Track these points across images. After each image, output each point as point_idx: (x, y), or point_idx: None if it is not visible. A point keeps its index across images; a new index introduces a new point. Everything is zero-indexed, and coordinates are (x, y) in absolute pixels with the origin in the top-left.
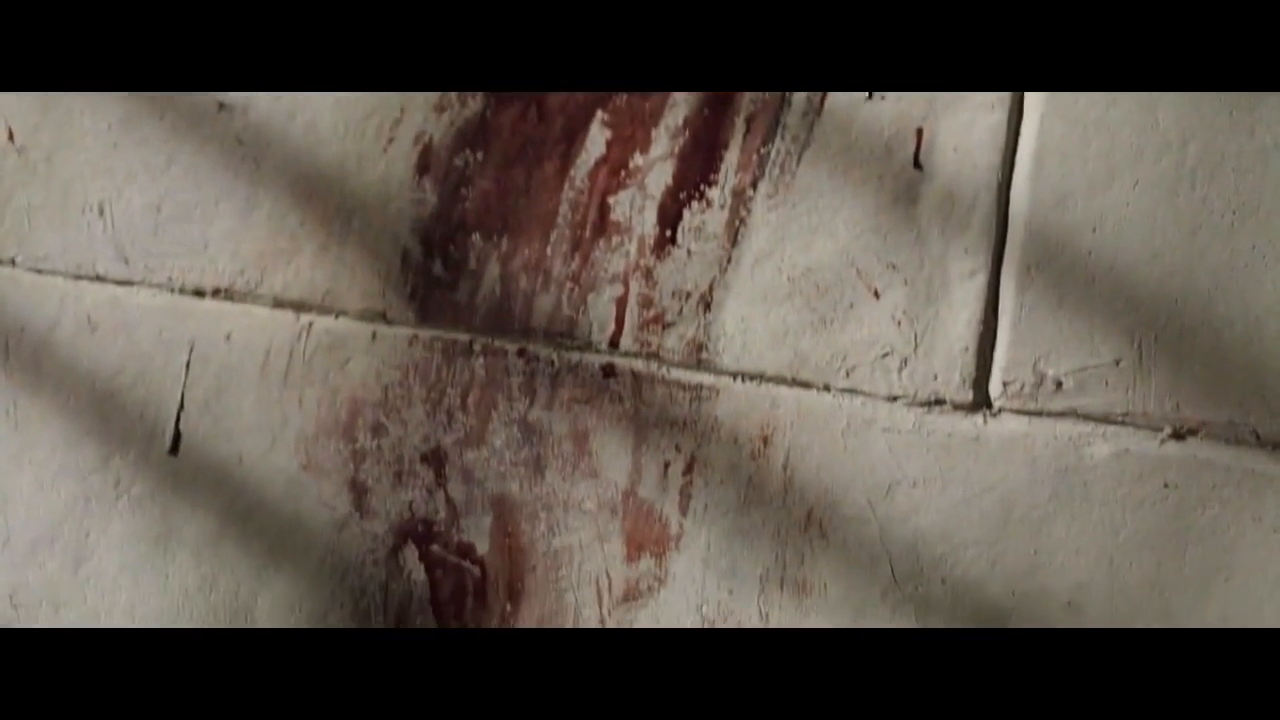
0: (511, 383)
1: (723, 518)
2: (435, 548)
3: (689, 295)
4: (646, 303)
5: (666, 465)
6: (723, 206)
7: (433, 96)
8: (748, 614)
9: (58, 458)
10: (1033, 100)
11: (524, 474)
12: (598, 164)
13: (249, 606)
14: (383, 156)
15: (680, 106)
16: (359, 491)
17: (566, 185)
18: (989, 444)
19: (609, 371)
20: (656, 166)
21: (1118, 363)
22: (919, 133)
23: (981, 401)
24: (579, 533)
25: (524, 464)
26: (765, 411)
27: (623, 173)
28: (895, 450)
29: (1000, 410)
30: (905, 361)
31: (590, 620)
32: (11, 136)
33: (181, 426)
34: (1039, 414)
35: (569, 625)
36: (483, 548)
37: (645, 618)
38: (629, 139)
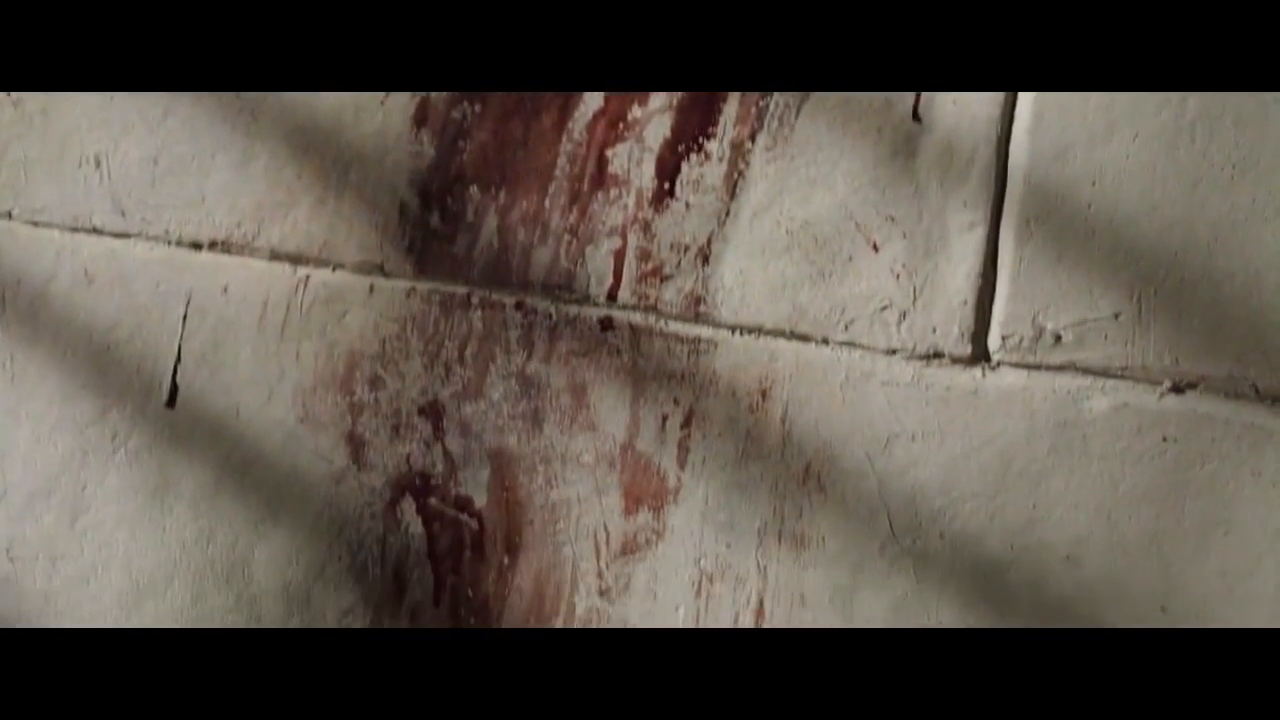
0: (509, 335)
1: (721, 471)
2: (433, 501)
3: (687, 248)
4: (645, 255)
5: (665, 418)
6: (721, 159)
7: None
8: (745, 567)
9: (54, 411)
10: None
11: (522, 427)
12: (596, 116)
13: (246, 559)
14: (380, 109)
15: None
16: (356, 444)
17: (564, 138)
18: (988, 397)
19: (607, 324)
20: (655, 119)
21: (1117, 316)
22: None
23: (980, 355)
24: (577, 486)
25: (522, 417)
26: (763, 365)
27: (621, 125)
28: (894, 404)
29: (999, 364)
30: (904, 315)
31: (588, 574)
32: None
33: (178, 379)
34: (1038, 367)
35: (566, 578)
36: (480, 501)
37: (643, 571)
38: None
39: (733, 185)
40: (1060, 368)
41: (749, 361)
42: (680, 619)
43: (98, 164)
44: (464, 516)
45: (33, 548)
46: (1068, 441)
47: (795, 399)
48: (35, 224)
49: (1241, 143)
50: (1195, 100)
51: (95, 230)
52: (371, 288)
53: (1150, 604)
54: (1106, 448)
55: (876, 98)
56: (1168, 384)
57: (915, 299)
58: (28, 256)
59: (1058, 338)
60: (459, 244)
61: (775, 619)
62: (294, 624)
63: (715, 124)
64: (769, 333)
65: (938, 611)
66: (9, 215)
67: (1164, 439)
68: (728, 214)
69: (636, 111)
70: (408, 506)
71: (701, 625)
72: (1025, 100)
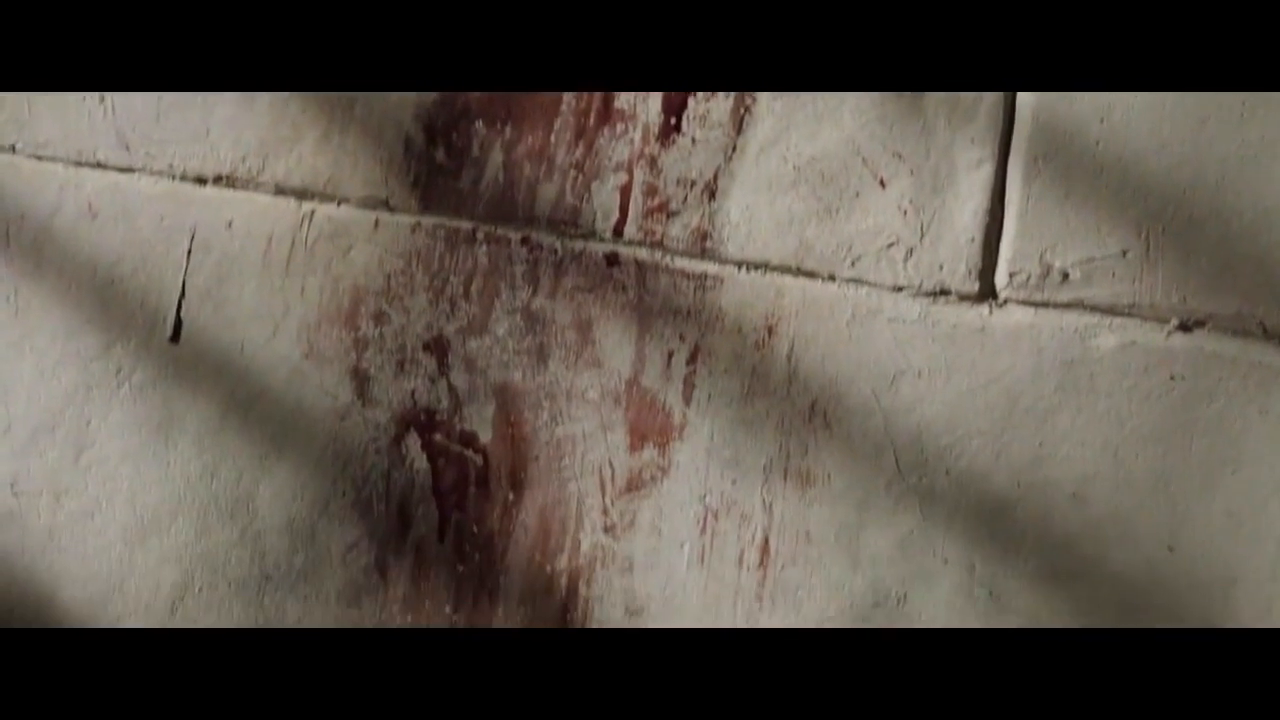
0: (514, 271)
1: (726, 407)
2: (438, 436)
3: (694, 183)
4: (651, 191)
5: (670, 355)
6: (728, 94)
7: None
8: (751, 504)
9: (58, 345)
10: None
11: (527, 363)
12: None
13: (250, 494)
14: None
15: None
16: (361, 380)
17: None
18: (994, 335)
19: (613, 260)
20: None
21: (1125, 254)
22: None
23: (987, 292)
24: (582, 422)
25: (527, 353)
26: (770, 301)
27: None
28: (900, 341)
29: (1006, 301)
30: (911, 252)
31: (593, 510)
32: None
33: (183, 314)
34: (1045, 305)
35: (571, 514)
36: (485, 437)
37: (648, 507)
38: None
39: (739, 120)
40: (1067, 305)
41: (755, 298)
42: (685, 555)
43: (101, 98)
44: (469, 452)
45: (37, 483)
46: (1074, 379)
47: (801, 335)
48: (39, 158)
49: None
50: None
51: (99, 165)
52: (376, 223)
53: (1157, 542)
54: (1113, 386)
55: None
56: (1175, 322)
57: (922, 236)
58: (31, 191)
59: (1065, 275)
60: (464, 179)
61: (780, 556)
62: (298, 560)
63: None
64: (775, 269)
65: (943, 548)
66: (13, 149)
67: (1171, 377)
68: (734, 149)
69: None
70: (412, 442)
71: (706, 562)
72: None
